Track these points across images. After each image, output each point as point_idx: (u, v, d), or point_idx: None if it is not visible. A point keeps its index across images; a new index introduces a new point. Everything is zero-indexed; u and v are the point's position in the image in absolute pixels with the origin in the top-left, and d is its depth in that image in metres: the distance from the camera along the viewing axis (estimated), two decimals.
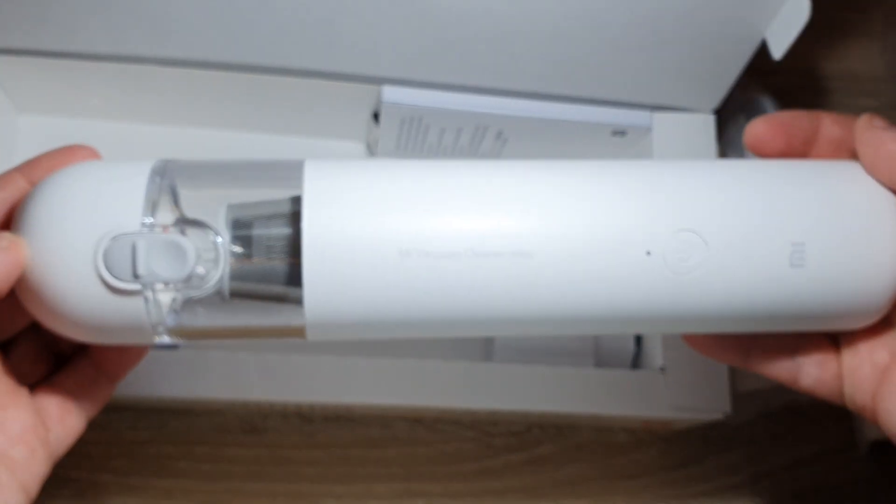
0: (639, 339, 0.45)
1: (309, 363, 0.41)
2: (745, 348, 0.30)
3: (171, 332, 0.25)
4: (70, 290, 0.24)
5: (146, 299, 0.24)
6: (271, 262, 0.25)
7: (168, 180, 0.25)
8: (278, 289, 0.25)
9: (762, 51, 0.41)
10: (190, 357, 0.40)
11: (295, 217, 0.25)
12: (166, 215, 0.25)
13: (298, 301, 0.25)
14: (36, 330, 0.27)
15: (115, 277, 0.23)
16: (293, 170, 0.26)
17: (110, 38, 0.42)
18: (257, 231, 0.25)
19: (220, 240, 0.25)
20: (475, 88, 0.44)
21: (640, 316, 0.26)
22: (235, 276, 0.25)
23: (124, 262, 0.23)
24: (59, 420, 0.27)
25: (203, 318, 0.26)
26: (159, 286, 0.24)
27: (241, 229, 0.25)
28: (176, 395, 0.41)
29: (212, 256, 0.25)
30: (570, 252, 0.25)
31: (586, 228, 0.25)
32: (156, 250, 0.24)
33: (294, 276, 0.25)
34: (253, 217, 0.26)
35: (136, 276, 0.24)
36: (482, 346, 0.46)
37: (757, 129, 0.29)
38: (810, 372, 0.30)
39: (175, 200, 0.25)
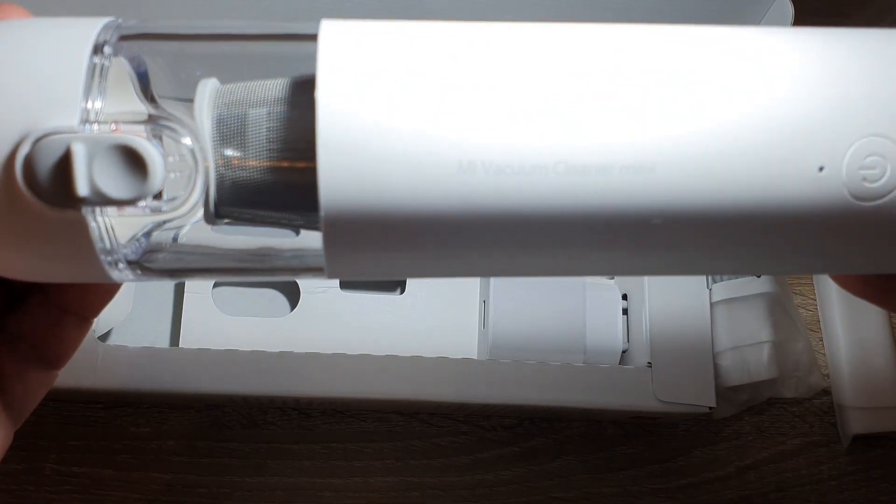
0: (627, 337, 0.47)
1: (307, 358, 0.42)
2: None
3: (136, 268, 0.18)
4: None
5: (92, 229, 0.17)
6: (274, 172, 0.18)
7: (126, 52, 0.18)
8: (284, 210, 0.18)
9: None
10: (191, 353, 0.41)
11: (307, 107, 0.17)
12: (121, 104, 0.17)
13: (313, 226, 0.17)
14: None
15: (42, 200, 0.16)
16: (307, 37, 0.18)
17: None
18: (253, 128, 0.18)
19: (189, 143, 0.17)
20: None
21: (798, 255, 0.19)
22: (224, 192, 0.18)
23: (56, 177, 0.16)
24: (17, 375, 0.21)
25: (177, 252, 0.19)
26: (110, 211, 0.17)
27: (231, 126, 0.18)
28: (177, 390, 0.42)
29: (188, 166, 0.17)
30: (708, 166, 0.17)
31: (732, 133, 0.17)
32: (102, 159, 0.16)
33: (307, 193, 0.17)
34: (247, 107, 0.18)
35: (73, 199, 0.16)
36: (477, 341, 0.47)
37: None
38: None
39: (144, 84, 0.18)
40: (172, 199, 0.17)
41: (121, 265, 0.18)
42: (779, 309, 0.49)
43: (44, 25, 0.17)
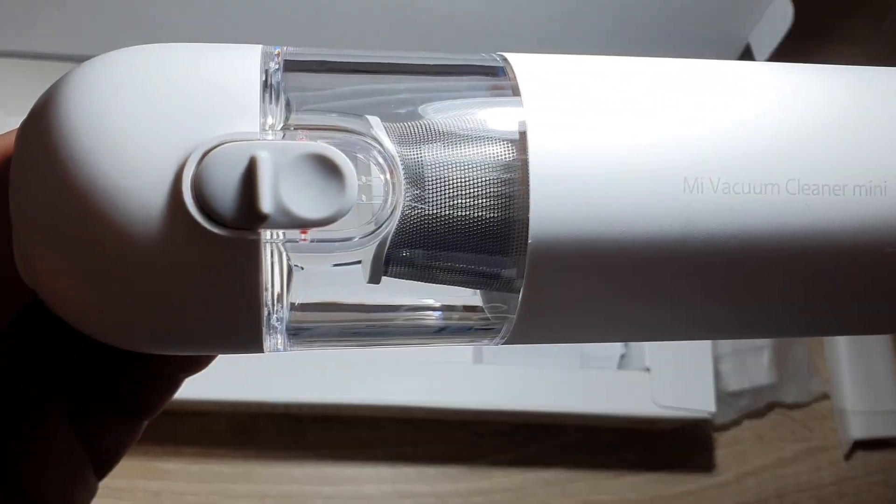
0: None
1: (297, 363, 0.41)
2: None
3: (292, 334, 0.16)
4: (123, 254, 0.13)
5: (264, 260, 0.13)
6: (471, 208, 0.15)
7: (283, 79, 0.15)
8: (477, 252, 0.15)
9: (746, 55, 0.42)
10: None
11: (509, 140, 0.15)
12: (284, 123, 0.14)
13: (505, 283, 0.15)
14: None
15: (212, 220, 0.13)
16: (485, 69, 0.16)
17: (98, 40, 0.42)
18: (438, 159, 0.15)
19: (383, 152, 0.14)
20: None
21: None
22: (406, 230, 0.15)
23: (230, 191, 0.13)
24: (100, 431, 0.19)
25: (327, 315, 0.16)
26: (294, 236, 0.14)
27: (410, 154, 0.15)
28: None
29: (380, 189, 0.14)
30: None
31: None
32: (289, 171, 0.13)
33: (503, 237, 0.15)
34: (441, 139, 0.15)
35: (254, 217, 0.13)
36: (471, 347, 0.47)
37: None
38: None
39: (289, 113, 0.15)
40: (368, 224, 0.14)
41: (277, 324, 0.15)
42: None
43: (197, 48, 0.15)
